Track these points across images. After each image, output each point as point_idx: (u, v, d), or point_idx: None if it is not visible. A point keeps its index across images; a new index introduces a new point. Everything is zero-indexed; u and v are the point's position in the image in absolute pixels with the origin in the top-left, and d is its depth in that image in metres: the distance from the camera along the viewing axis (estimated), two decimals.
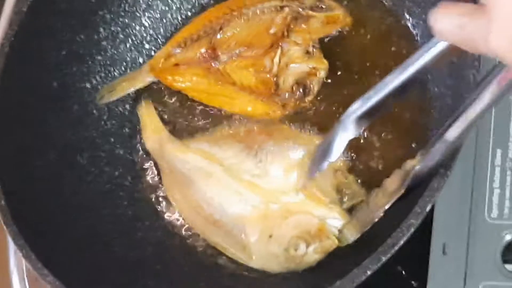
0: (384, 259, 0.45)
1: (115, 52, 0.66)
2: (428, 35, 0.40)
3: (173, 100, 0.65)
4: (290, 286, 0.56)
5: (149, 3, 0.67)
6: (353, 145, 0.57)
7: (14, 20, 0.61)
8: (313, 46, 0.61)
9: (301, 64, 0.60)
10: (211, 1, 0.67)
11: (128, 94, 0.66)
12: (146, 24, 0.67)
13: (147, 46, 0.67)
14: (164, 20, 0.68)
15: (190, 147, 0.62)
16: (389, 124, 0.57)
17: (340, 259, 0.53)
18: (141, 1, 0.67)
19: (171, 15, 0.68)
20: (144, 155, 0.64)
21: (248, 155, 0.59)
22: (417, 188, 0.48)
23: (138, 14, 0.67)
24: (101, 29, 0.65)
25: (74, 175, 0.62)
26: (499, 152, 0.53)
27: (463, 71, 0.49)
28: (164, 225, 0.62)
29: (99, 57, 0.65)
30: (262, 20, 0.62)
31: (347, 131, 0.47)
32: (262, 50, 0.61)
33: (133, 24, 0.67)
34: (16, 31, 0.60)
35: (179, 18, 0.68)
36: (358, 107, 0.46)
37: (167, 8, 0.67)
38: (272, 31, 0.62)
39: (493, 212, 0.52)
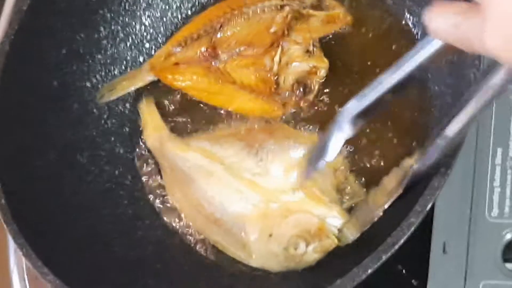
0: (384, 258, 0.45)
1: (115, 51, 0.66)
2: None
3: (174, 98, 0.65)
4: (290, 285, 0.56)
5: (150, 2, 0.67)
6: (353, 144, 0.58)
7: (14, 19, 0.61)
8: (314, 45, 0.61)
9: (302, 63, 0.60)
10: (211, 0, 0.67)
11: (129, 93, 0.66)
12: (147, 23, 0.67)
13: (147, 45, 0.67)
14: (165, 19, 0.68)
15: (191, 145, 0.62)
16: (389, 123, 0.57)
17: (340, 258, 0.53)
18: (141, 0, 0.67)
19: (172, 14, 0.68)
20: (145, 154, 0.64)
21: (248, 154, 0.59)
22: (416, 186, 0.48)
23: (138, 13, 0.67)
24: (101, 28, 0.66)
25: (74, 174, 0.62)
26: (499, 151, 0.53)
27: (463, 70, 0.49)
28: (164, 224, 0.62)
29: (99, 56, 0.66)
30: (263, 19, 0.62)
31: (342, 131, 0.47)
32: (263, 49, 0.61)
33: (134, 23, 0.67)
34: (16, 30, 0.60)
35: (180, 17, 0.68)
36: (353, 107, 0.46)
37: (167, 7, 0.67)
38: (272, 30, 0.62)
39: (494, 211, 0.52)
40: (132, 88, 0.66)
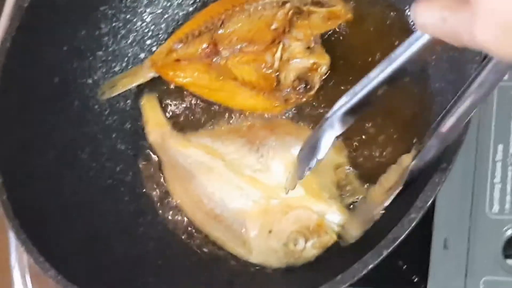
0: (385, 253, 0.45)
1: (117, 47, 0.66)
2: None
3: (175, 95, 0.65)
4: (290, 281, 0.56)
5: None
6: (354, 141, 0.58)
7: (16, 16, 0.61)
8: (315, 42, 0.61)
9: (303, 59, 0.60)
10: None
11: (130, 89, 0.66)
12: (148, 20, 0.67)
13: (148, 41, 0.67)
14: (166, 16, 0.68)
15: (192, 141, 0.62)
16: (390, 120, 0.57)
17: (341, 254, 0.53)
18: None
19: (173, 10, 0.68)
20: (146, 151, 0.64)
21: (250, 150, 0.59)
22: (416, 182, 0.48)
23: (139, 10, 0.67)
24: (103, 25, 0.66)
25: (76, 171, 0.62)
26: (500, 147, 0.53)
27: (464, 66, 0.49)
28: (165, 221, 0.62)
29: (100, 53, 0.66)
30: (264, 15, 0.62)
31: (333, 128, 0.47)
32: (264, 45, 0.61)
33: (135, 20, 0.67)
34: (17, 27, 0.60)
35: (181, 14, 0.68)
36: (344, 104, 0.46)
37: (168, 4, 0.68)
38: (273, 26, 0.62)
39: (494, 207, 0.52)
40: (133, 85, 0.66)
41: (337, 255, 0.54)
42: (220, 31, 0.63)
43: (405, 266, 0.55)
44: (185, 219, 0.61)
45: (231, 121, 0.62)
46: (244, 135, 0.60)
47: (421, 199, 0.46)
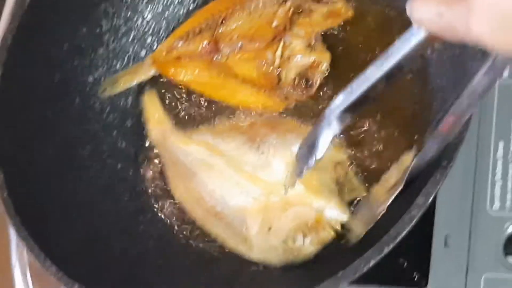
0: (386, 250, 0.45)
1: (117, 45, 0.66)
2: None
3: (176, 93, 0.65)
4: (291, 279, 0.56)
5: None
6: (354, 139, 0.58)
7: (17, 14, 0.61)
8: (315, 39, 0.61)
9: (304, 57, 0.61)
10: None
11: (131, 87, 0.66)
12: (148, 18, 0.67)
13: (149, 39, 0.67)
14: (167, 14, 0.68)
15: (193, 138, 0.62)
16: (390, 117, 0.57)
17: (342, 251, 0.53)
18: None
19: (174, 8, 0.68)
20: (146, 148, 0.64)
21: (250, 148, 0.59)
22: (417, 179, 0.48)
23: (140, 8, 0.67)
24: (103, 23, 0.65)
25: (76, 169, 0.62)
26: (501, 144, 0.53)
27: (465, 63, 0.49)
28: (166, 219, 0.62)
29: (101, 50, 0.66)
30: (264, 13, 0.62)
31: (331, 127, 0.47)
32: (265, 43, 0.61)
33: (135, 18, 0.67)
34: (18, 24, 0.60)
35: (182, 12, 0.68)
36: (341, 103, 0.46)
37: (169, 2, 0.67)
38: (274, 24, 0.62)
39: (495, 204, 0.52)
40: (134, 82, 0.66)
41: (338, 252, 0.54)
42: (221, 29, 0.63)
43: (406, 263, 0.55)
44: (186, 217, 0.61)
45: (232, 119, 0.62)
46: (245, 133, 0.60)
47: (422, 196, 0.46)
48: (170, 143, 0.62)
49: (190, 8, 0.68)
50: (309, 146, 0.49)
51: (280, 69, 0.61)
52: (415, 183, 0.48)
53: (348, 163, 0.57)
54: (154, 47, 0.67)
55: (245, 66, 0.62)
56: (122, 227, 0.60)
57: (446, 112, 0.46)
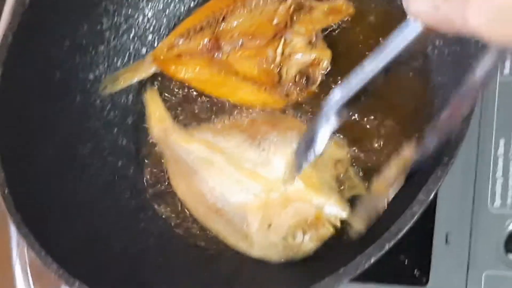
0: (387, 246, 0.45)
1: (118, 42, 0.66)
2: None
3: (178, 90, 0.65)
4: (292, 276, 0.56)
5: None
6: (354, 136, 0.57)
7: (17, 12, 0.61)
8: (316, 37, 0.61)
9: (304, 54, 0.60)
10: None
11: (131, 84, 0.66)
12: (149, 15, 0.67)
13: (150, 36, 0.67)
14: (167, 11, 0.68)
15: (194, 136, 0.62)
16: (391, 114, 0.57)
17: (343, 247, 0.53)
18: None
19: (174, 6, 0.68)
20: (147, 146, 0.64)
21: (251, 145, 0.59)
22: (418, 176, 0.48)
23: (141, 5, 0.67)
24: (104, 20, 0.66)
25: (77, 166, 0.62)
26: (502, 141, 0.53)
27: (466, 59, 0.48)
28: (166, 216, 0.62)
29: (102, 48, 0.66)
30: (265, 10, 0.62)
31: (329, 122, 0.46)
32: (265, 40, 0.61)
33: (136, 15, 0.67)
34: (19, 22, 0.60)
35: (182, 9, 0.68)
36: (339, 98, 0.45)
37: None
38: (275, 21, 0.62)
39: (496, 201, 0.52)
40: (135, 80, 0.66)
41: (339, 249, 0.54)
42: (222, 26, 0.63)
43: (407, 260, 0.55)
44: (187, 214, 0.61)
45: (232, 116, 0.62)
46: (246, 130, 0.60)
47: (423, 193, 0.46)
48: (172, 141, 0.62)
49: (191, 5, 0.68)
50: (308, 142, 0.49)
51: (281, 66, 0.61)
52: (416, 179, 0.48)
53: (349, 160, 0.57)
54: (155, 45, 0.67)
55: (246, 64, 0.62)
56: (122, 224, 0.60)
57: (448, 108, 0.45)
